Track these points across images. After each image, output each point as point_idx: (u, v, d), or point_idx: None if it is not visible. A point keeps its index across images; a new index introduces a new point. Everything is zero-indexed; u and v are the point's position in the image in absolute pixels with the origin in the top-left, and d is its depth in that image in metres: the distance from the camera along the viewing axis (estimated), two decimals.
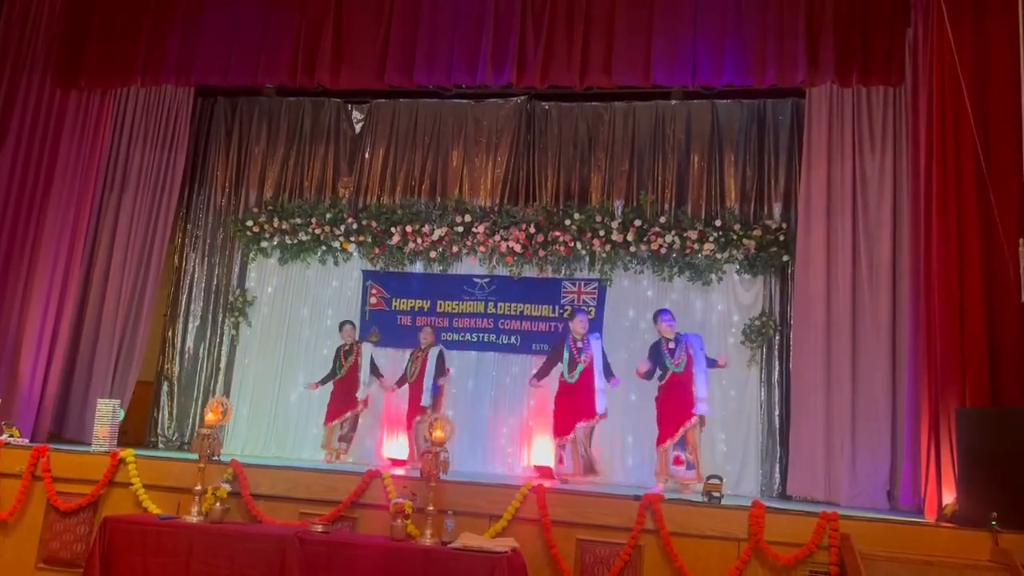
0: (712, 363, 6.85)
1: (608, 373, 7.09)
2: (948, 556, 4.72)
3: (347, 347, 7.94)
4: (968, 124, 5.61)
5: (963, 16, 5.83)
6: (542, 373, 7.29)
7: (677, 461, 6.59)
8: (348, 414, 7.76)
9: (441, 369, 7.70)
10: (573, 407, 6.95)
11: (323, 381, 7.94)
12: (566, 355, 7.09)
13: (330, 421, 7.76)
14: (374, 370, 7.93)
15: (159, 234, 8.29)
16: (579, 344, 7.11)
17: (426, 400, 7.51)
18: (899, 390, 6.65)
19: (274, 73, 7.50)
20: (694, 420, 6.61)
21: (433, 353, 7.70)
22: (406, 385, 7.83)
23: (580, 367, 6.99)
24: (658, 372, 6.89)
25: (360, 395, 7.78)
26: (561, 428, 6.96)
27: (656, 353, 6.93)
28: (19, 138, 7.61)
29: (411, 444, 7.64)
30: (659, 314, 7.07)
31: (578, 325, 7.20)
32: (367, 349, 7.94)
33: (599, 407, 6.91)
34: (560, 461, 6.91)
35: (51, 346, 7.49)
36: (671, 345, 6.86)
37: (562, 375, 7.08)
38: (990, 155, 5.61)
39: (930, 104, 6.09)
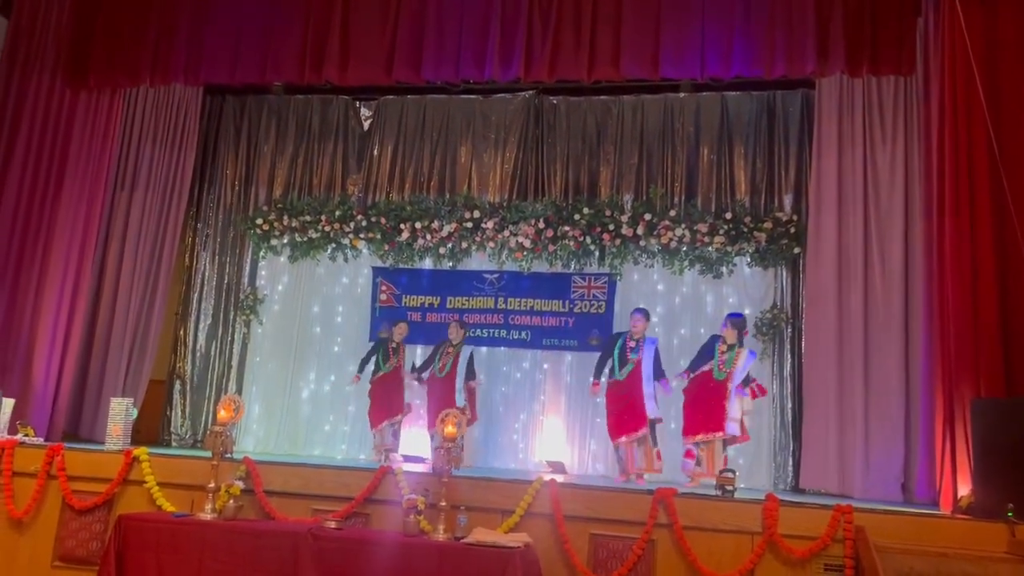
0: (748, 381, 6.67)
1: (658, 374, 6.89)
2: (964, 548, 4.68)
3: (394, 344, 7.83)
4: (980, 111, 5.57)
5: (973, 3, 5.78)
6: (597, 372, 7.06)
7: (688, 455, 6.64)
8: (399, 417, 7.67)
9: (471, 372, 7.62)
10: (623, 410, 6.82)
11: (361, 368, 7.79)
12: (616, 352, 6.97)
13: (378, 424, 7.62)
14: (412, 370, 7.87)
15: (170, 233, 8.31)
16: (632, 344, 6.96)
17: (460, 401, 7.40)
18: (912, 381, 6.60)
19: (282, 70, 7.53)
20: (720, 436, 6.55)
21: (465, 352, 7.63)
22: (426, 375, 7.75)
23: (630, 366, 6.85)
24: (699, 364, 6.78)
25: (407, 398, 7.72)
26: (615, 431, 6.87)
27: (709, 348, 6.84)
28: (30, 138, 7.67)
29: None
30: (729, 316, 6.94)
31: (637, 324, 6.99)
32: (409, 350, 7.86)
33: (650, 412, 6.75)
34: (631, 459, 6.81)
35: (64, 346, 7.54)
36: (723, 347, 6.75)
37: (612, 371, 6.96)
38: (1003, 142, 5.57)
39: (942, 92, 6.05)
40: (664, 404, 7.44)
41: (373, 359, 7.86)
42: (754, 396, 6.74)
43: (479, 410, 7.92)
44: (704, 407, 6.68)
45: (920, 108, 6.77)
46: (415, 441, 7.89)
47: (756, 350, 7.64)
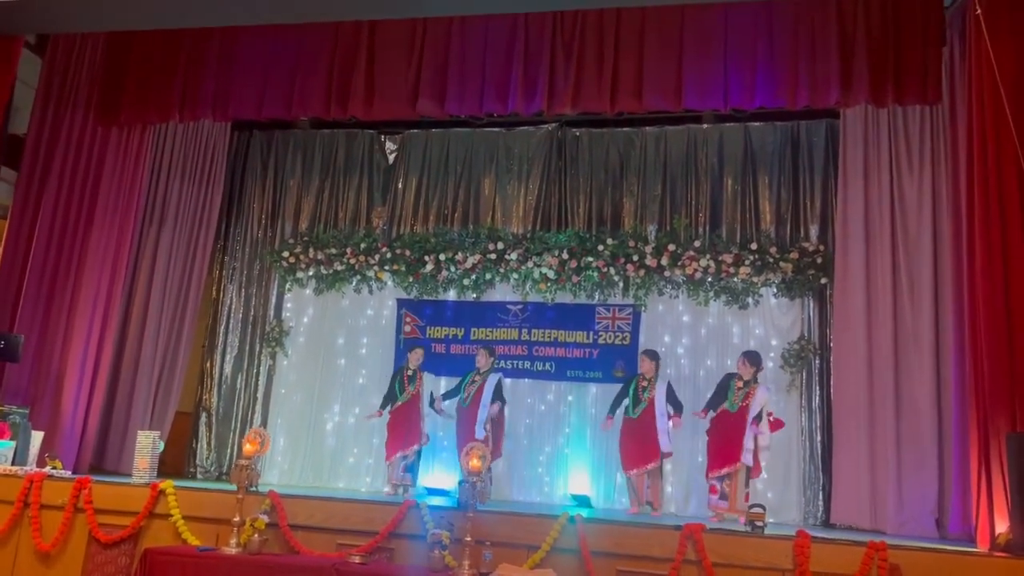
0: (757, 419, 6.71)
1: (674, 409, 7.02)
2: None
3: (410, 372, 7.67)
4: (1010, 139, 5.50)
5: (1001, 31, 5.74)
6: (612, 408, 7.29)
7: (712, 490, 6.69)
8: (414, 448, 7.45)
9: (498, 396, 7.45)
10: (634, 444, 7.01)
11: (383, 406, 7.63)
12: (631, 391, 7.15)
13: (393, 454, 7.42)
14: (431, 402, 7.69)
15: (197, 266, 8.42)
16: (644, 383, 7.14)
17: (479, 432, 7.20)
18: (945, 414, 6.49)
19: (308, 106, 7.62)
20: (739, 466, 6.59)
21: (491, 380, 7.49)
22: (447, 404, 7.66)
23: (642, 405, 7.03)
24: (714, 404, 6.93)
25: (425, 428, 7.56)
26: (626, 463, 7.09)
27: (724, 384, 6.92)
28: (62, 173, 7.81)
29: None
30: (743, 355, 7.02)
31: (646, 366, 7.22)
32: (428, 379, 7.74)
33: (663, 446, 6.91)
34: (642, 490, 7.02)
35: (92, 379, 7.60)
36: (739, 383, 6.81)
37: (627, 409, 7.14)
38: None
39: (969, 121, 6.00)
40: (688, 439, 7.40)
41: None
42: (772, 429, 6.74)
43: (503, 443, 7.76)
44: (724, 442, 6.73)
45: (947, 137, 6.72)
46: (440, 474, 7.81)
47: (784, 382, 7.59)
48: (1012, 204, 5.60)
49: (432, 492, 7.31)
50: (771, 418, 6.75)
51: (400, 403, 7.57)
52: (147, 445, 6.50)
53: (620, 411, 7.24)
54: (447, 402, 7.73)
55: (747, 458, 6.59)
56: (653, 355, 7.32)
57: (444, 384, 8.11)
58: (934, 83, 6.48)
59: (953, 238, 6.42)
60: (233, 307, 8.94)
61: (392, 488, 7.33)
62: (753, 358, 6.93)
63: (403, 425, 7.51)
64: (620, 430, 7.19)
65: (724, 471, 6.63)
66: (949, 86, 6.58)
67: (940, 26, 6.54)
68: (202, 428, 8.63)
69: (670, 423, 6.97)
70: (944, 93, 6.58)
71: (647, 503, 6.97)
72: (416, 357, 7.74)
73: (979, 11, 5.51)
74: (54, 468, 6.38)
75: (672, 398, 7.08)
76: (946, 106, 6.68)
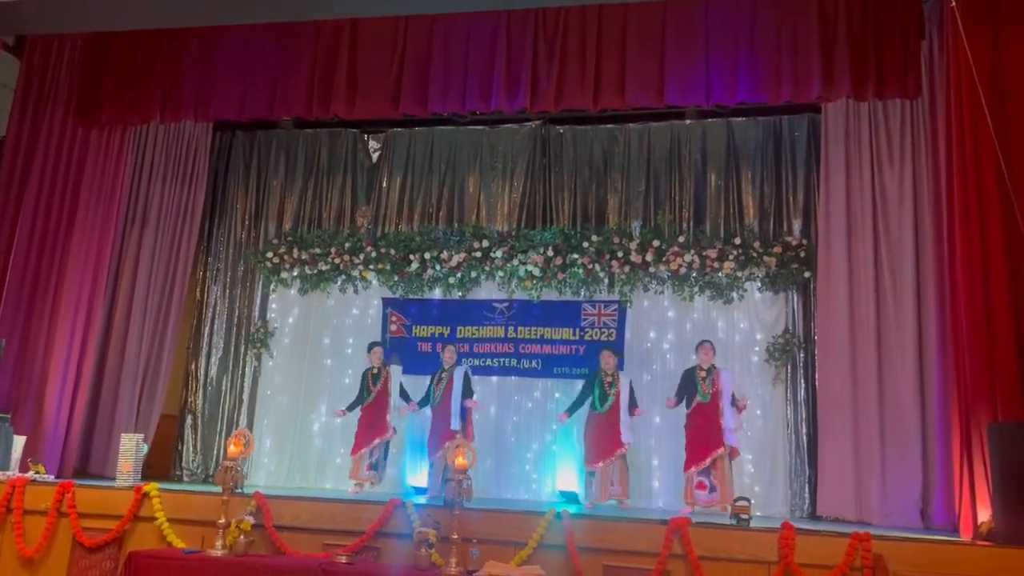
0: (733, 401, 6.88)
1: (632, 404, 7.18)
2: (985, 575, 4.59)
3: (375, 370, 7.73)
4: (988, 133, 5.54)
5: (977, 25, 5.79)
6: (574, 408, 7.36)
7: (700, 486, 6.72)
8: (377, 441, 7.48)
9: (468, 390, 7.52)
10: (602, 438, 7.09)
11: (350, 407, 7.67)
12: (597, 389, 7.22)
13: (359, 449, 7.46)
14: (404, 395, 7.73)
15: (180, 268, 8.38)
16: (609, 378, 7.22)
17: (455, 424, 7.30)
18: (928, 405, 6.54)
19: (290, 105, 7.59)
20: (723, 450, 6.69)
21: (458, 374, 7.54)
22: (427, 409, 7.69)
23: (610, 400, 7.13)
24: (685, 399, 7.03)
25: (392, 421, 7.56)
26: (592, 457, 7.12)
27: (688, 379, 7.04)
28: (43, 176, 7.74)
29: (436, 472, 7.35)
30: (701, 343, 7.19)
31: (607, 360, 7.31)
32: (396, 373, 7.72)
33: (625, 438, 7.03)
34: (605, 483, 7.08)
35: (76, 382, 7.54)
36: (702, 374, 6.95)
37: (592, 406, 7.21)
38: (1011, 163, 5.53)
39: (948, 115, 6.04)
40: (672, 434, 7.44)
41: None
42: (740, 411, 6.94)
43: (489, 439, 7.86)
44: (703, 432, 6.83)
45: (927, 131, 6.77)
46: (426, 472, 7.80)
47: (769, 376, 7.64)
48: (990, 196, 5.65)
49: (419, 491, 7.32)
50: (740, 402, 6.94)
51: (368, 402, 7.62)
52: (131, 448, 6.46)
53: (584, 407, 7.31)
54: (423, 408, 7.75)
55: (731, 439, 6.71)
56: (613, 351, 7.49)
57: (411, 379, 8.04)
58: (914, 77, 6.52)
59: (934, 229, 6.47)
60: (217, 308, 8.90)
61: (357, 486, 7.34)
62: (712, 345, 7.14)
63: (371, 420, 7.55)
64: (585, 426, 7.26)
65: (707, 461, 6.69)
66: (929, 80, 6.63)
67: (919, 20, 6.59)
68: (187, 430, 8.59)
69: (633, 416, 7.13)
70: (924, 87, 6.63)
71: (611, 496, 7.04)
72: (376, 356, 7.78)
73: (954, 3, 5.54)
74: (37, 473, 6.34)
75: (631, 397, 7.21)
76: (926, 100, 6.73)
